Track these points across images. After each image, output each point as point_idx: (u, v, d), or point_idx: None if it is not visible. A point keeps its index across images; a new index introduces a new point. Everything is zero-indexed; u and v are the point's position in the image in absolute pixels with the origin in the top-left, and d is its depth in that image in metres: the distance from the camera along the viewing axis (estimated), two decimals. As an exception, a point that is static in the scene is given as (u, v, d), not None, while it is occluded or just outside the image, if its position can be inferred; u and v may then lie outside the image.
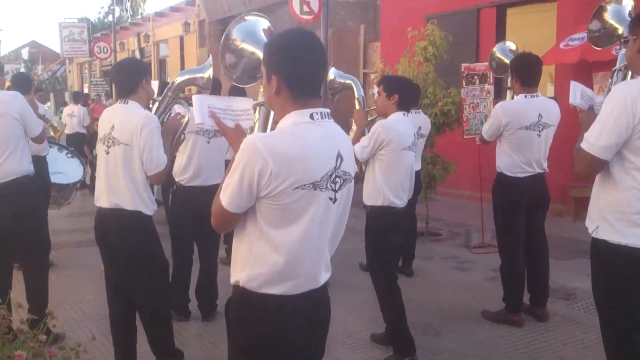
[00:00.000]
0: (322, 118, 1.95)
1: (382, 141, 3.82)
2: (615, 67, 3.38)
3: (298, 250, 1.92)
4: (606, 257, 2.68)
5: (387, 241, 3.98)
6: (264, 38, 2.65)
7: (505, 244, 4.70)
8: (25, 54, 41.21)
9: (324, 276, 2.05)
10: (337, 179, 1.96)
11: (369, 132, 4.04)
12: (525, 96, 4.46)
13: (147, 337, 3.73)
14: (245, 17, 2.71)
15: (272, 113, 2.51)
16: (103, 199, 3.52)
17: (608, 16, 4.11)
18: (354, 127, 4.47)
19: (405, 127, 3.93)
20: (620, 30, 3.81)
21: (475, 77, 6.93)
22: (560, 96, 7.84)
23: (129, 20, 29.41)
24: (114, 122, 3.49)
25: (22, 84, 5.38)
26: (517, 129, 4.43)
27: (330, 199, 1.95)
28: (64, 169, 6.85)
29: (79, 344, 2.00)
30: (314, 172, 1.89)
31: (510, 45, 6.23)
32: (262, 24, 2.69)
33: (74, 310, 5.03)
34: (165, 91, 3.90)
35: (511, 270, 4.64)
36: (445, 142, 7.55)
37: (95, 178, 3.71)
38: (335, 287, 5.47)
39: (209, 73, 3.85)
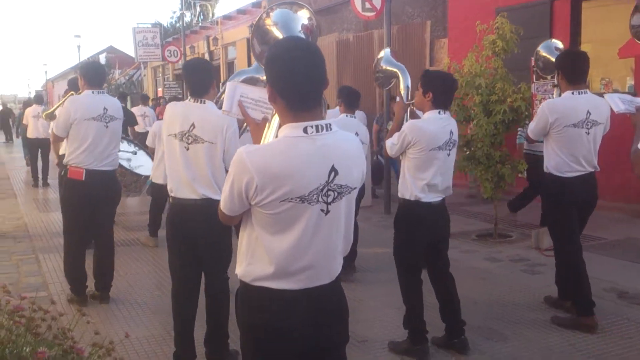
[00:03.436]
0: (317, 131, 1.95)
1: (409, 142, 3.84)
2: None
3: (288, 257, 1.98)
4: None
5: (412, 235, 4.00)
6: (296, 30, 2.51)
7: (562, 245, 4.54)
8: (102, 59, 42.92)
9: (322, 281, 2.06)
10: (330, 192, 1.98)
11: None
12: (573, 93, 4.32)
13: (210, 322, 3.89)
14: (290, 8, 2.58)
15: None
16: (185, 190, 3.68)
17: None
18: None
19: (437, 126, 3.86)
20: None
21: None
22: (640, 90, 7.41)
23: (199, 24, 30.09)
24: (193, 120, 3.66)
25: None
26: (565, 127, 4.29)
27: (322, 210, 1.98)
28: (140, 161, 7.34)
29: (111, 341, 2.00)
30: (301, 187, 1.93)
31: (557, 42, 6.09)
32: (302, 16, 2.54)
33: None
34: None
35: (573, 271, 4.46)
36: (515, 140, 7.27)
37: (167, 168, 3.86)
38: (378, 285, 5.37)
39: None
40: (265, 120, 2.28)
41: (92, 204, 4.97)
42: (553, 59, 5.56)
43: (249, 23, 19.71)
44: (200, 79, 3.76)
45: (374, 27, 13.33)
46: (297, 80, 1.94)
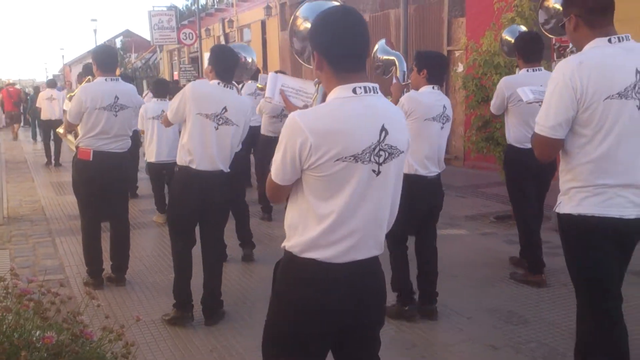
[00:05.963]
0: (365, 92, 2.00)
1: (406, 112, 4.03)
2: (568, 49, 3.53)
3: (338, 220, 1.98)
4: (567, 230, 2.78)
5: (408, 208, 3.96)
6: None
7: (521, 213, 5.15)
8: (118, 43, 42.99)
9: (370, 251, 2.07)
10: (382, 152, 1.99)
11: None
12: (528, 70, 4.80)
13: (210, 275, 4.35)
14: None
15: None
16: (207, 164, 4.09)
17: (552, 3, 4.42)
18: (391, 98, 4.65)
19: (430, 98, 4.14)
20: None
21: (568, 50, 6.47)
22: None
23: (214, 6, 29.98)
24: (226, 104, 4.03)
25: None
26: (519, 101, 4.65)
27: (374, 171, 1.99)
28: None
29: (122, 325, 1.96)
30: (355, 145, 1.94)
31: (521, 27, 6.26)
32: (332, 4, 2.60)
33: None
34: None
35: (529, 238, 5.07)
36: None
37: (192, 143, 4.12)
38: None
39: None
40: (306, 108, 2.33)
41: (100, 184, 5.03)
42: None
43: (264, 5, 19.57)
44: (231, 67, 4.15)
45: (391, 6, 13.14)
46: (343, 44, 1.99)
